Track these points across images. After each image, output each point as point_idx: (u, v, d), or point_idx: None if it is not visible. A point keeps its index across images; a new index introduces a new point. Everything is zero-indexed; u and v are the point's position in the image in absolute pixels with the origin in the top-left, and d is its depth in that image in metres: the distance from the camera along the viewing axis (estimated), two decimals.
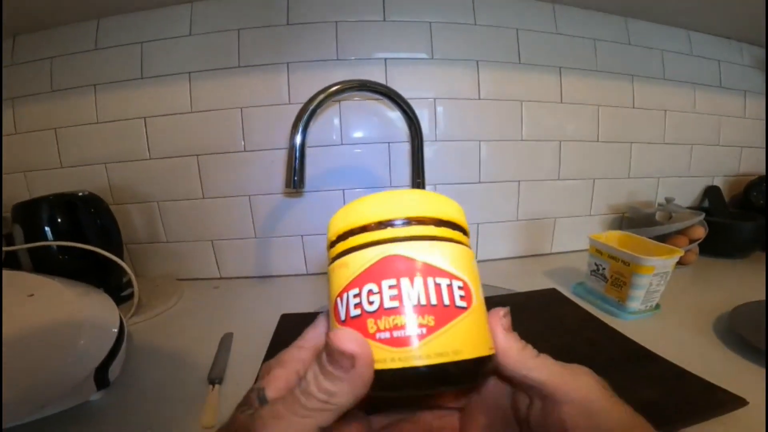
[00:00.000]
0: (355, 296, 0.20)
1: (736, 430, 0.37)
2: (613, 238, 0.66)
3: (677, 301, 0.63)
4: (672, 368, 0.45)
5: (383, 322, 0.19)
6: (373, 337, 0.20)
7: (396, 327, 0.19)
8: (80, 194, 0.64)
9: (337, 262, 0.22)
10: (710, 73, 0.93)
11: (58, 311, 0.44)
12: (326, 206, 0.78)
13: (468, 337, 0.20)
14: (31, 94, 0.74)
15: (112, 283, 0.65)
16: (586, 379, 0.21)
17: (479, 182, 0.82)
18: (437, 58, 0.77)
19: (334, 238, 0.23)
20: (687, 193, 0.97)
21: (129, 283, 0.64)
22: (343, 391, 0.19)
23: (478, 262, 0.23)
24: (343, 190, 0.78)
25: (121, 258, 0.63)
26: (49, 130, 0.75)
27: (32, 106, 0.74)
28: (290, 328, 0.57)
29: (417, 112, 0.63)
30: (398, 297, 0.20)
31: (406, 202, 0.22)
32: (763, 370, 0.45)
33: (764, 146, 1.01)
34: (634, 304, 0.59)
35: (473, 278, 0.22)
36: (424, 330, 0.19)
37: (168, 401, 0.44)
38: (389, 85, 0.62)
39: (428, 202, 0.22)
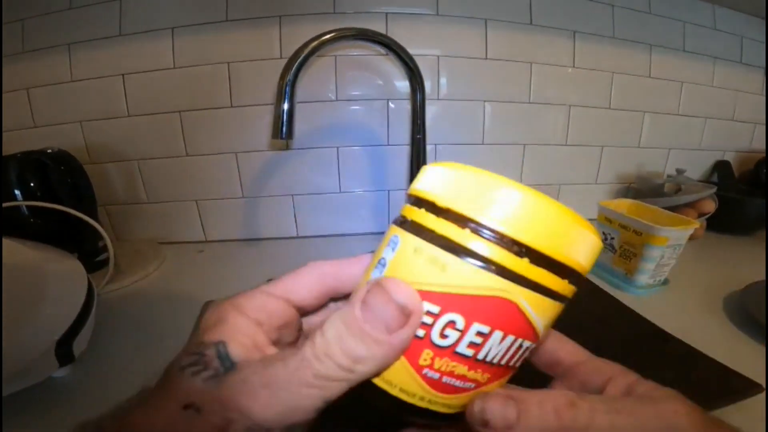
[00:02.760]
0: (428, 314, 0.15)
1: (754, 416, 0.34)
2: (623, 206, 0.62)
3: (686, 276, 0.61)
4: (686, 349, 0.42)
5: (441, 363, 0.16)
6: (418, 368, 0.16)
7: (450, 374, 0.16)
8: (49, 151, 0.59)
9: (426, 242, 0.16)
10: (732, 48, 0.88)
11: (18, 277, 0.40)
12: (319, 164, 0.74)
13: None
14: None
15: (87, 248, 0.61)
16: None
17: (482, 143, 0.78)
18: (443, 14, 0.71)
19: (442, 204, 0.16)
20: (696, 167, 0.94)
21: (106, 248, 0.59)
22: (375, 357, 0.15)
23: None
24: (338, 147, 0.74)
25: (96, 219, 0.59)
26: (21, 90, 0.69)
27: (3, 67, 0.68)
28: None
29: (420, 70, 0.58)
30: (478, 348, 0.16)
31: (564, 227, 0.15)
32: None
33: None
34: (643, 278, 0.56)
35: (543, 337, 0.18)
36: (472, 385, 0.17)
37: (141, 377, 0.40)
38: None
39: (580, 240, 0.16)
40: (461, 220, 0.15)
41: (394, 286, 0.15)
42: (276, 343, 0.18)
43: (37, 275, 0.41)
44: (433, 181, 0.17)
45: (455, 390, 0.17)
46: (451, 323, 0.15)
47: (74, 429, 0.16)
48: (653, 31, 0.81)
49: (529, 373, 0.21)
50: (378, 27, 0.68)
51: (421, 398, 0.17)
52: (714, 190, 0.76)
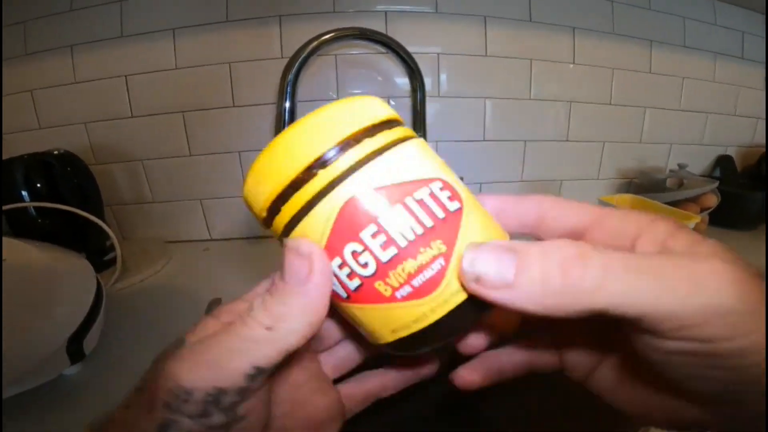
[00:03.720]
0: (341, 267, 0.16)
1: None
2: (624, 202, 0.63)
3: None
4: None
5: (394, 278, 0.16)
6: (394, 299, 0.16)
7: (411, 275, 0.16)
8: (55, 152, 0.59)
9: (293, 235, 0.17)
10: (733, 43, 0.88)
11: (28, 278, 0.41)
12: None
13: (484, 231, 0.17)
14: (5, 58, 0.69)
15: (95, 247, 0.62)
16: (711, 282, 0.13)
17: (483, 140, 0.79)
18: (442, 11, 0.71)
19: (265, 214, 0.17)
20: (699, 162, 0.93)
21: (112, 247, 0.60)
22: (294, 311, 0.15)
23: None
24: None
25: (102, 219, 0.60)
26: (25, 92, 0.70)
27: (6, 70, 0.69)
28: None
29: (420, 67, 0.58)
30: (390, 241, 0.15)
31: (324, 125, 0.16)
32: None
33: None
34: None
35: (445, 169, 0.18)
36: (442, 260, 0.16)
37: None
38: None
39: (347, 113, 0.17)
40: (274, 208, 0.17)
41: (293, 242, 0.16)
42: None
43: (47, 275, 0.42)
44: (254, 201, 0.18)
45: (434, 280, 0.16)
46: (355, 253, 0.16)
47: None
48: (653, 26, 0.81)
49: None
50: (378, 25, 0.69)
51: (431, 310, 0.16)
52: (716, 184, 0.75)
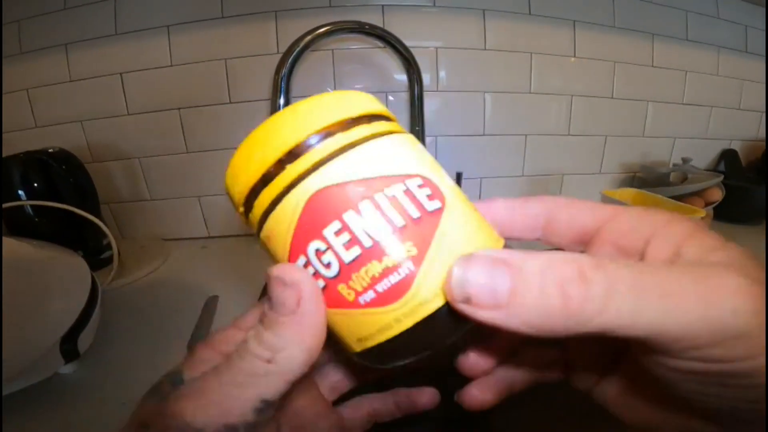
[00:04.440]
0: (305, 266, 0.15)
1: None
2: (627, 196, 0.62)
3: None
4: None
5: (357, 281, 0.14)
6: (357, 305, 0.15)
7: (375, 279, 0.14)
8: (51, 150, 0.59)
9: (264, 232, 0.16)
10: (736, 37, 0.87)
11: (22, 275, 0.40)
12: None
13: (469, 236, 0.15)
14: None
15: (92, 246, 0.62)
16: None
17: (483, 134, 0.78)
18: (440, 5, 0.70)
19: (242, 209, 0.17)
20: (703, 156, 0.92)
21: (110, 245, 0.60)
22: (289, 342, 0.14)
23: None
24: None
25: (99, 217, 0.59)
26: (21, 91, 0.70)
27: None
28: None
29: (418, 62, 0.58)
30: (354, 240, 0.14)
31: (297, 118, 0.16)
32: None
33: None
34: None
35: (431, 166, 0.16)
36: (411, 264, 0.14)
37: (145, 372, 0.41)
38: None
39: (323, 106, 0.16)
40: (249, 200, 0.16)
41: (277, 270, 0.15)
42: None
43: (41, 273, 0.42)
44: (234, 191, 0.17)
45: (401, 285, 0.14)
46: (318, 252, 0.15)
47: None
48: (655, 19, 0.80)
49: None
50: (375, 19, 0.68)
51: (397, 320, 0.14)
52: (721, 179, 0.74)
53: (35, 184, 0.58)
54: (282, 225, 0.15)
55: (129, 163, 0.73)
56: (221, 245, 0.74)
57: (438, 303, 0.14)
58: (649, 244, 0.15)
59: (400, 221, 0.14)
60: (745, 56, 0.88)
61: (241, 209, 0.17)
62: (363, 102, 0.17)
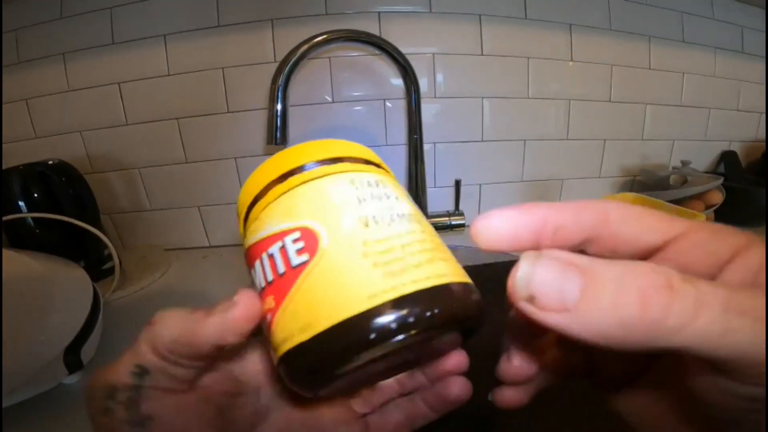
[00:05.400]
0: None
1: None
2: (627, 200, 0.62)
3: None
4: None
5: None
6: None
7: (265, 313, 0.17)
8: (50, 162, 0.59)
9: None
10: (732, 38, 0.87)
11: (25, 288, 0.41)
12: None
13: (320, 298, 0.15)
14: None
15: (93, 257, 0.62)
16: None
17: (482, 140, 0.78)
18: (436, 11, 0.71)
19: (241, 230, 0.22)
20: (702, 158, 0.92)
21: (111, 256, 0.60)
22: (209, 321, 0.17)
23: None
24: None
25: (99, 228, 0.59)
26: (20, 101, 0.70)
27: None
28: None
29: (415, 68, 0.58)
30: (257, 283, 0.18)
31: (253, 180, 0.20)
32: None
33: None
34: None
35: (329, 211, 0.16)
36: (269, 316, 0.16)
37: None
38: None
39: (268, 167, 0.19)
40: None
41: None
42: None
43: (43, 285, 0.42)
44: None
45: (268, 328, 0.17)
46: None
47: None
48: (651, 21, 0.80)
49: None
50: (371, 27, 0.69)
51: (301, 329, 0.15)
52: (721, 181, 0.74)
53: (35, 196, 0.58)
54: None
55: (129, 173, 0.73)
56: (222, 254, 0.74)
57: (282, 350, 0.16)
58: (726, 267, 0.13)
59: (270, 277, 0.17)
60: (742, 57, 0.88)
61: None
62: (309, 151, 0.19)
